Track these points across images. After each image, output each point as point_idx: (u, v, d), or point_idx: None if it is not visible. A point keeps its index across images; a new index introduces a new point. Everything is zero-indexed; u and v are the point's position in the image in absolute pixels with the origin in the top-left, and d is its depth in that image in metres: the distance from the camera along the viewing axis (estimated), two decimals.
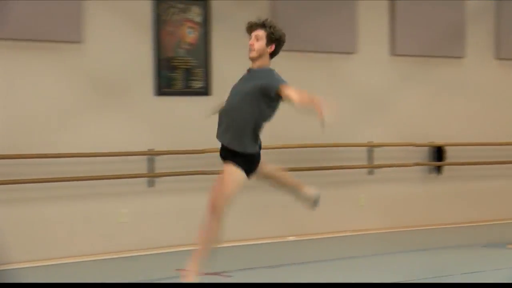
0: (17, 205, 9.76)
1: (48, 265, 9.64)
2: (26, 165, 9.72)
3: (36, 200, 9.87)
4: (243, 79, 7.02)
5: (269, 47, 6.82)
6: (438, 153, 12.83)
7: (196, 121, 10.79)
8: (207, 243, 6.90)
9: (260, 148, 7.14)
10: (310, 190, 7.44)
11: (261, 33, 6.73)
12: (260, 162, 7.19)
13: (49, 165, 9.82)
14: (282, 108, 11.45)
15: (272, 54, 6.90)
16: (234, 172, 6.96)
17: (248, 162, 7.00)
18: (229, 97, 7.05)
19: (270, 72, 6.80)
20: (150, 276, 8.90)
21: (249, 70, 7.03)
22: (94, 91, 10.24)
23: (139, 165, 10.47)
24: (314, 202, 7.49)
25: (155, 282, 8.63)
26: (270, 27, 6.75)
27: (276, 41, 6.79)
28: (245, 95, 6.84)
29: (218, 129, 7.19)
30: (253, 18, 7.12)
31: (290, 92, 6.51)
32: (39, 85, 9.90)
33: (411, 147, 12.64)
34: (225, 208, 6.91)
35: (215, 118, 10.93)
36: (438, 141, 12.86)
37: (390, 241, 11.56)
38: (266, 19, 6.89)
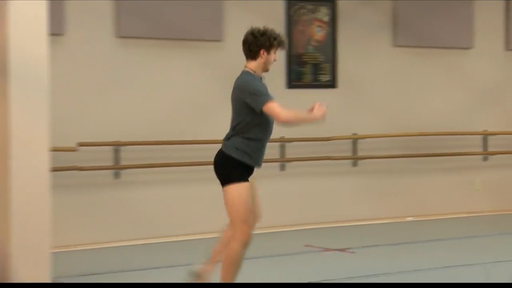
0: (167, 186, 10.22)
1: (192, 239, 10.08)
2: (175, 150, 10.15)
3: (183, 181, 10.29)
4: None
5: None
6: None
7: None
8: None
9: None
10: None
11: None
12: None
13: (194, 150, 10.21)
14: (402, 99, 11.65)
15: None
16: None
17: None
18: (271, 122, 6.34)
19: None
20: (281, 251, 9.16)
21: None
22: (233, 84, 10.55)
23: (272, 151, 10.74)
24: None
25: (283, 256, 8.85)
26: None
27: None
28: None
29: (258, 158, 6.31)
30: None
31: None
32: (186, 79, 10.29)
33: None
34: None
35: (342, 110, 11.23)
36: None
37: (503, 223, 11.52)
38: None
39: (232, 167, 6.14)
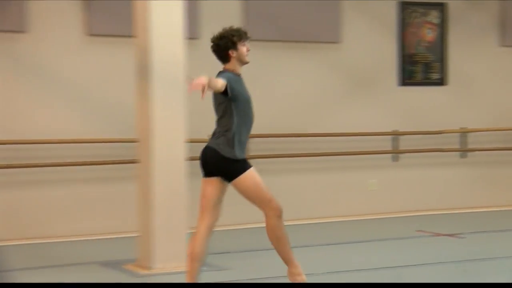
0: (292, 174, 10.27)
1: (312, 223, 10.07)
2: (299, 142, 10.21)
3: (306, 170, 10.33)
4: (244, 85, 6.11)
5: None
6: None
7: (433, 107, 10.92)
8: None
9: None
10: None
11: None
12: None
13: (313, 142, 10.27)
14: (508, 95, 11.31)
15: None
16: None
17: None
18: (251, 109, 6.03)
19: None
20: (395, 235, 9.09)
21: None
22: (349, 82, 10.53)
23: (385, 143, 10.67)
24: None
25: (396, 240, 8.76)
26: None
27: None
28: None
29: (245, 147, 6.03)
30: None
31: None
32: (307, 78, 10.34)
33: None
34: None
35: (451, 105, 11.02)
36: None
37: None
38: None
39: (231, 164, 5.87)
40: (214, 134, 5.96)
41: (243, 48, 5.95)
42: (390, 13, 10.73)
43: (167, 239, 7.18)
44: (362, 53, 10.60)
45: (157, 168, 7.16)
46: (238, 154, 5.84)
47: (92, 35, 9.20)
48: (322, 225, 9.96)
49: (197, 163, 9.15)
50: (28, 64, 9.01)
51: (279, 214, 5.91)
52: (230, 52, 5.95)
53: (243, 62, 6.00)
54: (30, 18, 8.97)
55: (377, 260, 7.55)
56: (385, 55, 10.78)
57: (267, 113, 10.05)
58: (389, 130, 10.69)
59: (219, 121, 5.92)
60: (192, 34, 8.87)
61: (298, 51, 10.23)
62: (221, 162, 5.89)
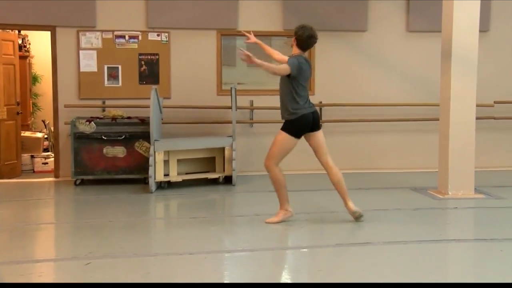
0: None
1: None
2: None
3: None
4: None
5: (293, 40, 5.75)
6: None
7: None
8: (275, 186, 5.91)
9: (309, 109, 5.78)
10: (352, 206, 5.88)
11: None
12: (311, 123, 5.76)
13: None
14: None
15: (299, 46, 5.75)
16: (278, 135, 5.81)
17: (293, 125, 5.78)
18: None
19: (289, 59, 5.71)
20: None
21: None
22: None
23: None
24: (357, 217, 5.92)
25: None
26: (296, 29, 5.76)
27: (295, 35, 5.74)
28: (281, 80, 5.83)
29: None
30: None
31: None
32: None
33: None
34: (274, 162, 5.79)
35: None
36: None
37: None
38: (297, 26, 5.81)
39: None
40: (309, 102, 5.86)
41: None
42: None
43: (459, 174, 7.23)
44: None
45: (453, 124, 7.20)
46: None
47: (410, 31, 9.13)
48: None
49: (477, 121, 8.95)
50: (367, 53, 9.08)
51: None
52: None
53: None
54: (369, 21, 9.05)
55: None
56: None
57: None
58: None
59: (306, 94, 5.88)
60: (483, 27, 8.69)
61: None
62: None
